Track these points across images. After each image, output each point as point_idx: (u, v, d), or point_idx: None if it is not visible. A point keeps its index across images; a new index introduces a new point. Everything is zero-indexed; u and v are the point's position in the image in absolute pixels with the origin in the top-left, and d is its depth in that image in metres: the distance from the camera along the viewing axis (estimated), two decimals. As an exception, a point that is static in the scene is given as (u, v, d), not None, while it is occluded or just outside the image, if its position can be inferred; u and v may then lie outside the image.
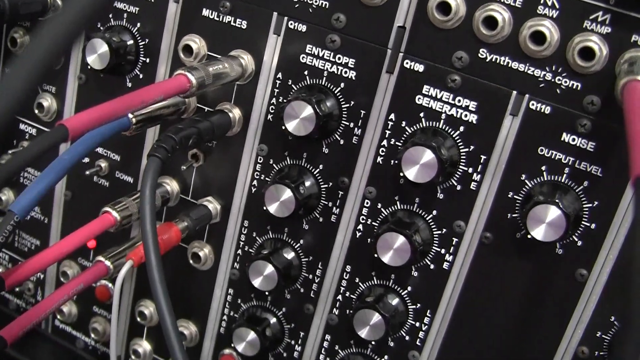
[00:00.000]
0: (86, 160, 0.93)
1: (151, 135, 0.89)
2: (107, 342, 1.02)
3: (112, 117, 0.68)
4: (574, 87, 0.70)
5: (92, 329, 1.02)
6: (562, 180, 0.72)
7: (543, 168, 0.72)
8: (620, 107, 0.61)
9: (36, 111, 0.95)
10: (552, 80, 0.70)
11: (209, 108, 0.84)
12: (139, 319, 0.97)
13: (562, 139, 0.71)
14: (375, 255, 0.76)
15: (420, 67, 0.75)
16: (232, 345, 0.88)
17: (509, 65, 0.71)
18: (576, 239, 0.73)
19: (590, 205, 0.72)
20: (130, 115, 0.75)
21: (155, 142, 0.74)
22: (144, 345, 0.99)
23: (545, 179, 0.73)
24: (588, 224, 0.72)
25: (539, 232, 0.70)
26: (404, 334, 0.83)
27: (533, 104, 0.71)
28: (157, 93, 0.70)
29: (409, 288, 0.81)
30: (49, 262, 0.75)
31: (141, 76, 0.88)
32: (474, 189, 0.76)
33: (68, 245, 0.76)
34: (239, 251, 0.89)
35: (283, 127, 0.76)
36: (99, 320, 1.01)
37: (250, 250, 0.88)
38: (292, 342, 0.89)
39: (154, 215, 0.71)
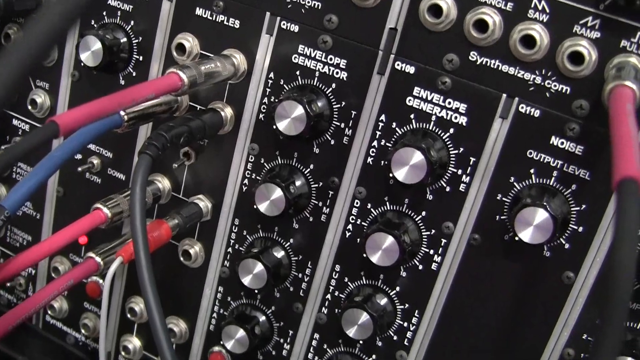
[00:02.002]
0: (79, 156, 0.93)
1: (143, 133, 0.90)
2: (97, 338, 1.03)
3: (103, 114, 0.69)
4: (563, 91, 0.70)
5: (82, 324, 1.02)
6: (551, 184, 0.72)
7: (532, 171, 0.73)
8: (607, 111, 0.62)
9: (29, 107, 0.95)
10: (542, 84, 0.71)
11: (201, 106, 0.85)
12: (129, 316, 0.97)
13: (551, 142, 0.72)
14: (364, 255, 0.77)
15: (411, 69, 0.75)
16: (221, 342, 0.88)
17: (499, 69, 0.72)
18: (564, 242, 0.73)
19: (578, 208, 0.72)
20: (122, 113, 0.76)
21: (146, 140, 0.74)
22: (134, 342, 0.99)
23: (534, 181, 0.73)
24: (576, 227, 0.73)
25: (526, 235, 0.70)
26: (392, 334, 0.83)
27: (522, 107, 0.72)
28: (149, 91, 0.70)
29: (398, 288, 0.82)
30: (40, 257, 0.76)
31: (134, 74, 0.88)
32: (463, 190, 0.76)
33: (59, 241, 0.77)
34: (229, 249, 0.89)
35: (274, 127, 0.77)
36: (89, 317, 1.01)
37: (241, 248, 0.88)
38: (281, 341, 0.90)
39: (144, 213, 0.71)
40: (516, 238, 0.71)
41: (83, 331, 1.02)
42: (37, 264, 1.03)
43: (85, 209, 0.83)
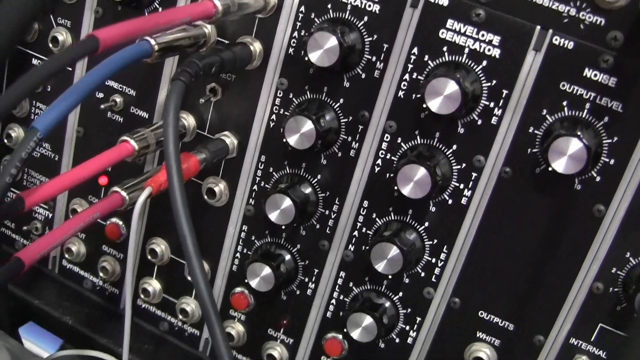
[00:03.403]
0: (100, 95, 0.93)
1: (168, 69, 0.89)
2: (116, 281, 1.02)
3: (140, 33, 0.68)
4: (598, 22, 0.70)
5: (101, 268, 1.01)
6: (583, 116, 0.72)
7: (564, 103, 0.73)
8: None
9: (50, 45, 0.94)
10: (576, 15, 0.71)
11: (229, 41, 0.84)
12: (149, 257, 0.97)
13: (584, 74, 0.72)
14: (396, 188, 0.76)
15: (444, 1, 0.75)
16: (246, 281, 0.88)
17: (534, 0, 0.72)
18: (595, 175, 0.74)
19: (609, 140, 0.72)
20: (152, 42, 0.75)
21: (179, 67, 0.73)
22: (153, 284, 0.98)
23: (566, 114, 0.73)
24: (607, 160, 0.73)
25: (559, 165, 0.70)
26: (420, 271, 0.83)
27: (556, 39, 0.72)
28: (185, 14, 0.70)
29: (426, 224, 0.82)
30: (68, 184, 0.75)
31: (160, 9, 0.87)
32: (494, 123, 0.76)
33: (86, 171, 0.76)
34: (255, 187, 0.89)
35: (306, 58, 0.76)
36: (108, 260, 1.01)
37: (267, 185, 0.88)
38: (306, 280, 0.90)
39: (177, 138, 0.70)
40: (549, 168, 0.71)
41: (101, 274, 1.01)
42: (54, 207, 1.02)
43: (105, 150, 0.82)
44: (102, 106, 0.91)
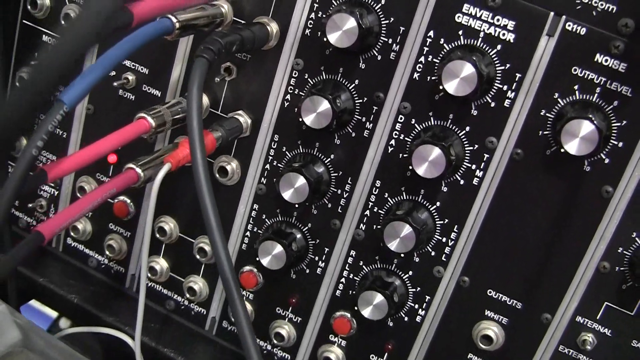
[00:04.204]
0: (112, 73, 0.93)
1: (182, 48, 0.90)
2: (122, 260, 1.03)
3: (170, 9, 0.70)
4: (610, 9, 0.72)
5: (107, 246, 1.01)
6: (594, 100, 0.75)
7: (575, 87, 0.75)
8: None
9: (62, 22, 0.94)
10: (589, 2, 0.73)
11: (246, 22, 0.85)
12: (158, 235, 0.97)
13: (595, 59, 0.74)
14: (410, 167, 0.78)
15: (461, -15, 0.77)
16: (257, 259, 0.89)
17: (548, -14, 0.74)
18: (604, 157, 0.76)
19: (619, 124, 0.74)
20: (173, 19, 0.76)
21: (201, 45, 0.74)
22: (161, 263, 0.99)
23: (577, 97, 0.75)
24: (616, 142, 0.75)
25: (572, 146, 0.73)
26: (430, 250, 0.85)
27: (569, 25, 0.74)
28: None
29: (438, 203, 0.83)
30: (89, 159, 0.75)
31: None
32: (507, 106, 0.78)
33: (106, 146, 0.77)
34: (267, 166, 0.90)
35: (325, 39, 0.78)
36: (115, 238, 1.01)
37: (279, 165, 0.89)
38: (316, 258, 0.91)
39: (200, 115, 0.72)
40: (561, 150, 0.73)
41: (107, 252, 1.01)
42: (60, 184, 1.03)
43: (115, 128, 0.82)
44: (115, 84, 0.92)
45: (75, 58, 0.58)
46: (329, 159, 0.86)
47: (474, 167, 0.81)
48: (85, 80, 0.70)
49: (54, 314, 1.42)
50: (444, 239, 0.84)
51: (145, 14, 0.64)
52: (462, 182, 0.82)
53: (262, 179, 0.91)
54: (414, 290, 0.87)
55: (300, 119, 0.81)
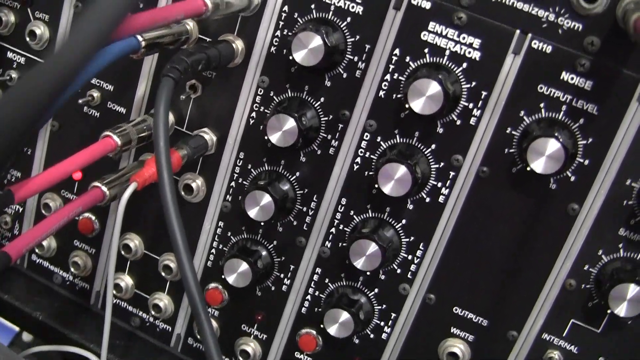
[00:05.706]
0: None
1: (147, 65, 0.89)
2: (86, 276, 1.02)
3: (144, 27, 0.69)
4: (576, 27, 0.73)
5: (72, 263, 1.00)
6: (560, 117, 0.75)
7: (542, 105, 0.75)
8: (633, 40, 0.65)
9: (27, 39, 0.93)
10: (555, 20, 0.73)
11: (211, 39, 0.85)
12: (123, 252, 0.96)
13: (561, 77, 0.74)
14: (376, 186, 0.78)
15: (427, 4, 0.77)
16: (222, 277, 0.89)
17: (514, 5, 0.74)
18: (570, 174, 0.76)
19: (585, 142, 0.75)
20: (140, 38, 0.75)
21: (168, 64, 0.74)
22: (126, 280, 0.98)
23: (543, 115, 0.75)
24: (582, 160, 0.75)
25: (538, 165, 0.73)
26: (396, 267, 0.85)
27: (535, 43, 0.74)
28: (180, 11, 0.70)
29: (404, 221, 0.83)
30: (56, 178, 0.74)
31: (141, 5, 0.87)
32: (473, 124, 0.78)
33: (72, 165, 0.76)
34: (232, 183, 0.89)
35: (290, 57, 0.78)
36: (79, 255, 1.00)
37: (244, 182, 0.89)
38: (282, 275, 0.91)
39: (167, 134, 0.71)
40: (527, 169, 0.73)
41: (72, 269, 1.00)
42: (24, 201, 1.02)
43: (80, 145, 0.81)
44: (80, 101, 0.91)
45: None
46: (295, 177, 0.86)
47: (439, 184, 0.81)
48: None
49: (16, 327, 1.40)
50: (410, 257, 0.84)
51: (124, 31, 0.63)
52: (428, 199, 0.82)
53: (228, 196, 0.90)
54: (380, 307, 0.87)
55: (266, 137, 0.81)
